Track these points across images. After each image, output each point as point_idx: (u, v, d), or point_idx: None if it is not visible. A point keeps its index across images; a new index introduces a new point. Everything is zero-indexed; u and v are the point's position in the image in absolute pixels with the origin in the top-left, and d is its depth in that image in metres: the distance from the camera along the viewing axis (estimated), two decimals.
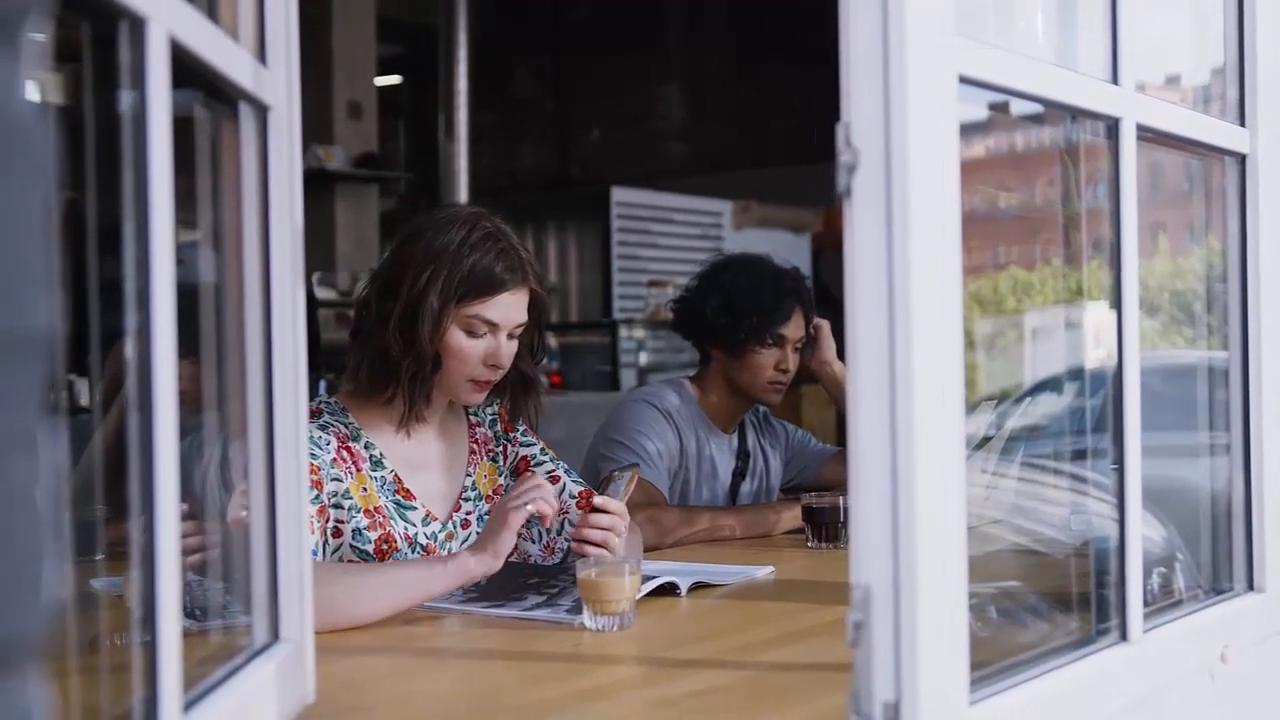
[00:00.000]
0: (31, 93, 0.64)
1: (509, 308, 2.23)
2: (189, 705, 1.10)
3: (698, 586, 2.21)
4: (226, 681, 1.23)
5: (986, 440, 2.24)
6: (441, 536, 2.29)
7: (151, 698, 1.02)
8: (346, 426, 2.25)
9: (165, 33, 1.03)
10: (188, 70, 1.12)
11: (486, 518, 2.34)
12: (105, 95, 1.03)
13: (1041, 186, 2.11)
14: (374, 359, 2.23)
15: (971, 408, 2.00)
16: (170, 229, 1.03)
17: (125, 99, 1.02)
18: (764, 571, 2.38)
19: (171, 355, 1.03)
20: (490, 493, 2.39)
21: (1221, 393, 1.94)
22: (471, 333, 2.22)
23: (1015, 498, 2.06)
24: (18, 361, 0.59)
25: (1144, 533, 1.61)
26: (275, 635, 1.39)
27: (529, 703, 1.55)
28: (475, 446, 2.41)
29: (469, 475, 2.38)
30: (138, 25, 1.00)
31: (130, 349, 1.01)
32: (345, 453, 2.21)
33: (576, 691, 1.61)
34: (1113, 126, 1.55)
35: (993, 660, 1.37)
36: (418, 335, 2.18)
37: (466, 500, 2.36)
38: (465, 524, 2.34)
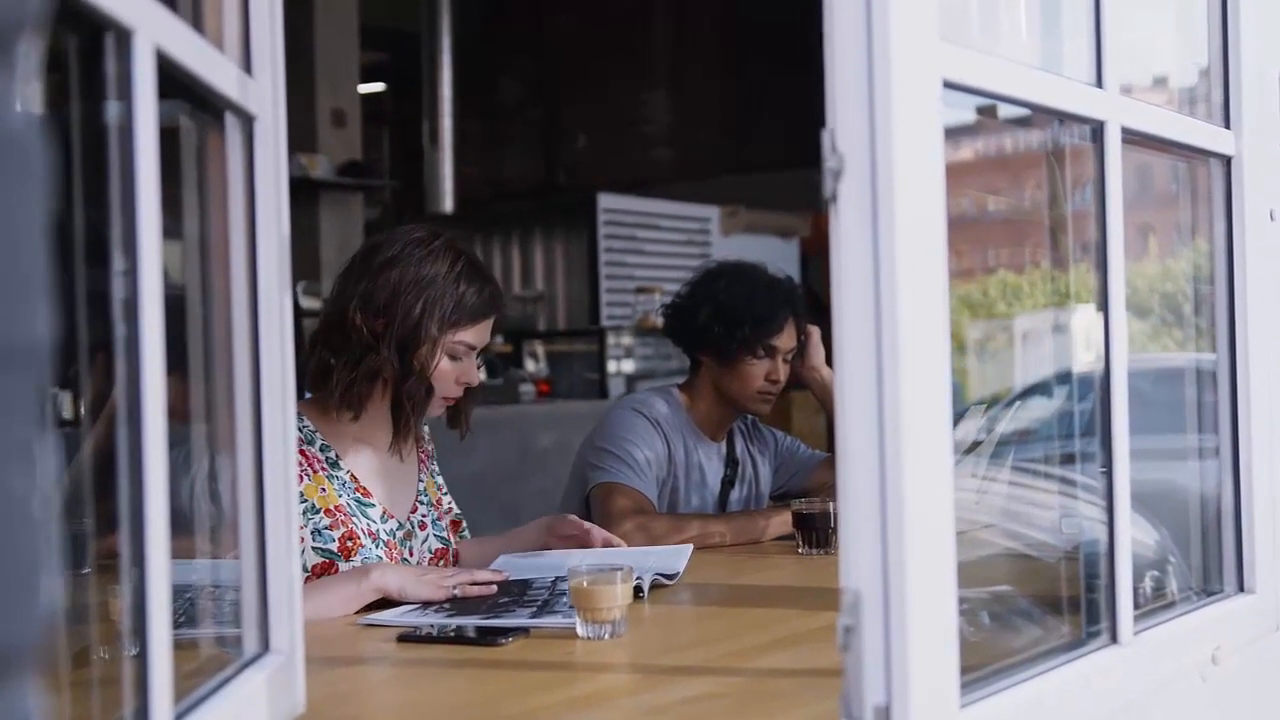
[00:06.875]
0: (27, 105, 0.64)
1: (487, 332, 2.38)
2: (179, 716, 1.10)
3: (658, 586, 2.24)
4: (217, 693, 1.23)
5: (977, 445, 2.24)
6: (400, 535, 2.38)
7: (142, 709, 1.02)
8: (301, 430, 2.28)
9: (151, 44, 1.03)
10: (172, 80, 1.12)
11: (438, 523, 2.48)
12: (90, 105, 1.03)
13: (1030, 189, 2.11)
14: (363, 379, 2.29)
15: (961, 412, 2.01)
16: (157, 240, 1.03)
17: (111, 109, 1.02)
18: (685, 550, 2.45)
19: (159, 366, 1.02)
20: (434, 502, 2.50)
21: (1210, 395, 1.94)
22: (453, 357, 2.33)
23: (1006, 502, 2.06)
24: (16, 373, 0.59)
25: (1137, 536, 1.61)
26: (265, 646, 1.38)
27: (523, 711, 1.54)
28: (423, 457, 2.52)
29: (420, 481, 2.48)
30: (124, 37, 1.00)
31: (118, 360, 1.01)
32: (300, 456, 2.24)
33: (570, 699, 1.61)
34: (1098, 130, 1.56)
35: (984, 663, 1.37)
36: (414, 361, 2.28)
37: (421, 504, 2.46)
38: (422, 525, 2.44)
